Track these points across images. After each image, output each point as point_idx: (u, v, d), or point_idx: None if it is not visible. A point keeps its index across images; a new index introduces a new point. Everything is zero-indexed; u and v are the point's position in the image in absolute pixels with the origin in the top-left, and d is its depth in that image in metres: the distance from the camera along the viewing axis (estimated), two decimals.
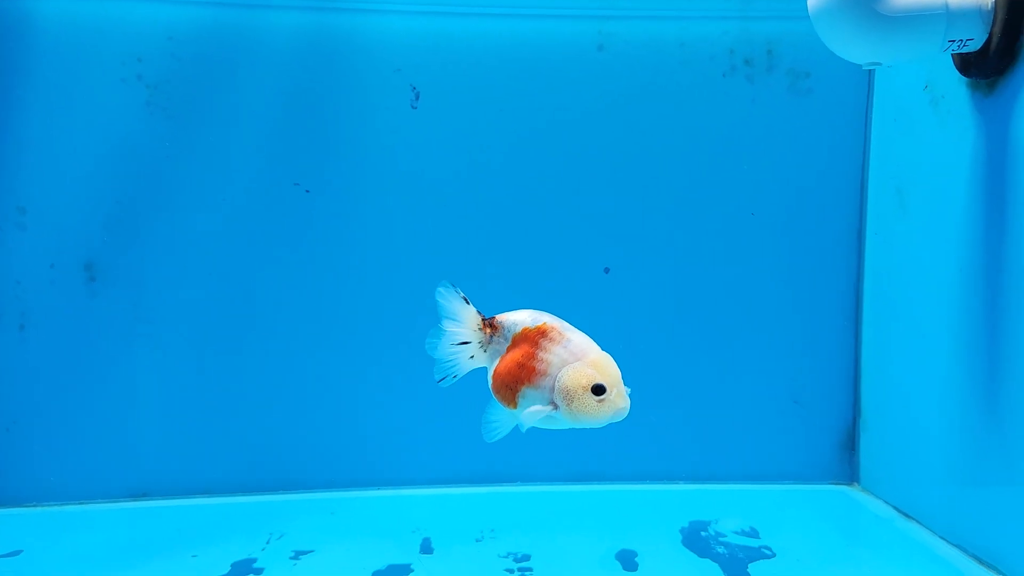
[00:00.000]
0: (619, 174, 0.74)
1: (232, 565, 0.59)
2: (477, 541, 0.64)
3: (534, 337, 0.47)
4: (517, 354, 0.47)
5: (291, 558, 0.60)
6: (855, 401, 0.77)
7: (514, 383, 0.47)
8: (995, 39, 0.55)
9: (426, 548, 0.62)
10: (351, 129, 0.73)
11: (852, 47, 0.56)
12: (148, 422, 0.72)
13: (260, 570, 0.58)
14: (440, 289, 0.50)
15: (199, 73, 0.71)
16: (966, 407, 0.61)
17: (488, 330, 0.50)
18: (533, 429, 0.47)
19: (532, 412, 0.45)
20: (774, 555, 0.61)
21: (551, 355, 0.46)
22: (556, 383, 0.45)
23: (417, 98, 0.73)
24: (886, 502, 0.72)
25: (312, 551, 0.62)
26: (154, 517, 0.70)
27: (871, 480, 0.75)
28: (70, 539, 0.65)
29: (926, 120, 0.66)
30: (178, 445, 0.73)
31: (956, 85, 0.62)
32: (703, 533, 0.65)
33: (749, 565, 0.58)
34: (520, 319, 0.49)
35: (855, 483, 0.77)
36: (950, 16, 0.55)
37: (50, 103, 0.70)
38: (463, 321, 0.50)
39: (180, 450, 0.73)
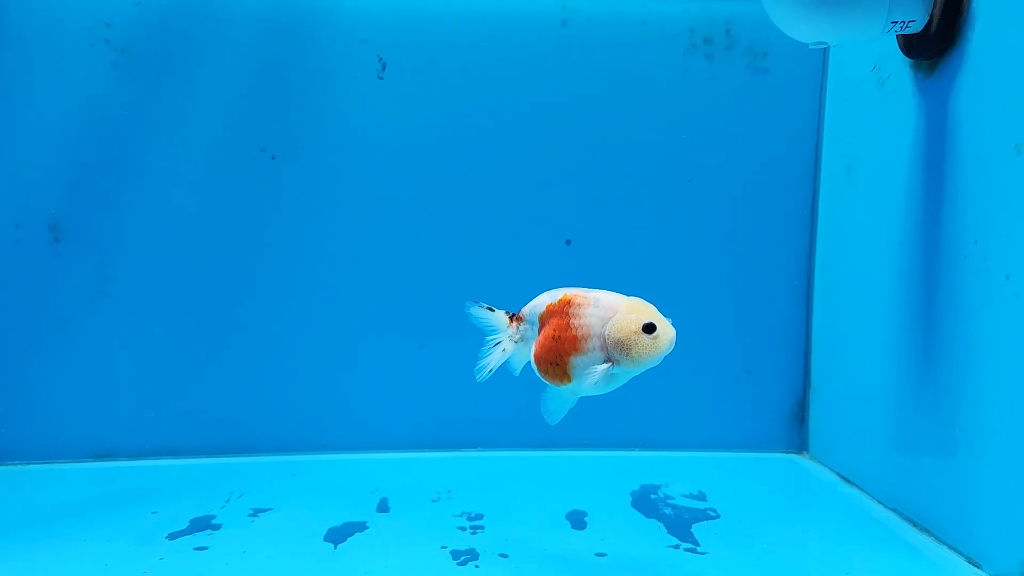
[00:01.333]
0: (580, 148, 0.76)
1: (191, 521, 0.60)
2: (433, 501, 0.66)
3: (561, 310, 0.49)
4: (549, 331, 0.49)
5: (249, 515, 0.61)
6: (806, 372, 0.80)
7: (557, 357, 0.49)
8: (935, 21, 0.58)
9: (383, 507, 0.64)
10: (318, 97, 0.74)
11: (799, 26, 0.58)
12: (112, 384, 0.73)
13: (218, 526, 0.59)
14: (469, 311, 0.53)
15: (166, 38, 0.71)
16: (903, 379, 0.63)
17: (514, 323, 0.52)
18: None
19: (594, 373, 0.47)
20: (718, 516, 0.63)
21: (586, 319, 0.48)
22: (606, 340, 0.47)
23: (383, 68, 0.74)
24: (831, 469, 0.75)
25: (270, 509, 0.63)
26: (117, 476, 0.70)
27: (819, 449, 0.78)
28: (31, 496, 0.65)
29: (874, 100, 0.69)
30: (143, 407, 0.74)
31: (901, 66, 0.64)
32: (652, 496, 0.67)
33: (693, 525, 0.61)
34: (539, 301, 0.51)
35: (804, 452, 0.80)
36: None
37: (16, 66, 0.70)
38: (496, 322, 0.53)
39: (145, 412, 0.74)
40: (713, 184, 0.76)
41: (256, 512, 0.63)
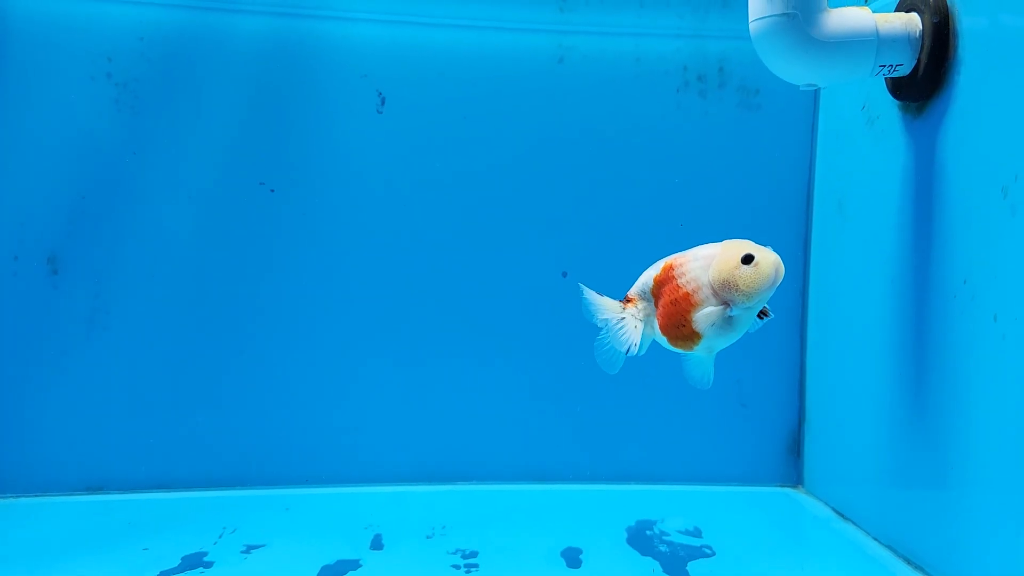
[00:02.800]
0: (576, 182, 0.77)
1: (182, 559, 0.59)
2: (428, 538, 0.65)
3: (667, 277, 0.51)
4: (665, 299, 0.51)
5: (242, 552, 0.61)
6: (800, 405, 0.80)
7: (680, 320, 0.50)
8: (923, 65, 0.59)
9: (376, 544, 0.64)
10: (317, 131, 0.75)
11: (790, 69, 0.60)
12: (106, 416, 0.73)
13: (210, 563, 0.59)
14: (584, 298, 0.54)
15: (168, 73, 0.72)
16: (896, 413, 0.64)
17: (628, 304, 0.54)
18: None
19: (706, 314, 0.48)
20: (713, 554, 0.63)
21: (692, 273, 0.49)
22: (714, 285, 0.48)
23: (383, 103, 0.75)
24: (827, 504, 0.74)
25: (263, 546, 0.63)
26: (109, 510, 0.70)
27: (814, 483, 0.78)
28: (24, 530, 0.65)
29: (863, 138, 0.70)
30: (135, 440, 0.74)
31: (889, 107, 0.66)
32: (648, 532, 0.67)
33: (689, 563, 0.61)
34: (645, 278, 0.54)
35: (800, 485, 0.79)
36: (880, 43, 0.59)
37: (18, 99, 0.71)
38: (607, 308, 0.54)
39: (137, 445, 0.74)
40: (707, 218, 0.77)
41: (249, 548, 0.62)
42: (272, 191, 0.74)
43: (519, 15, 0.75)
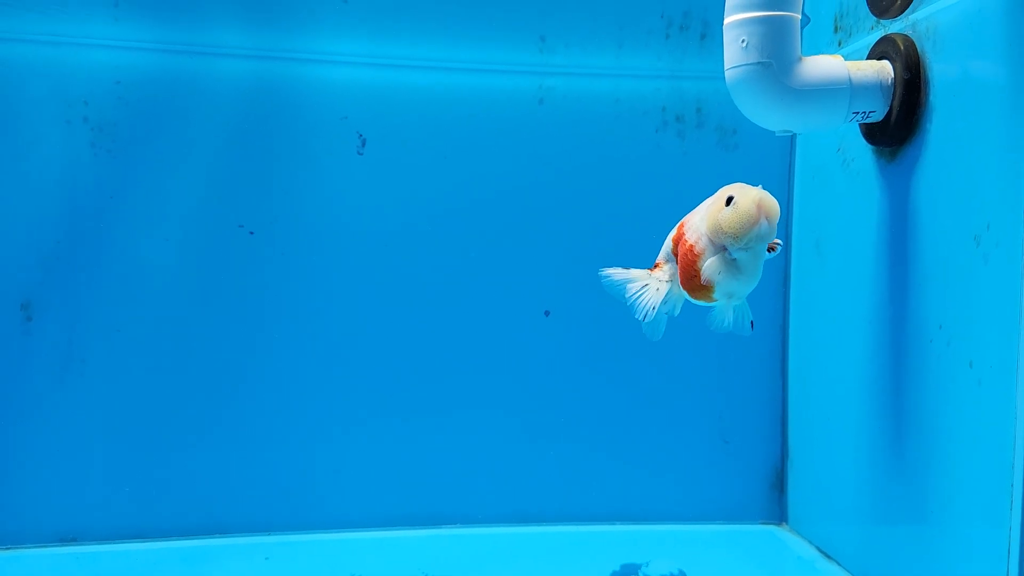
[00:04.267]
0: (558, 221, 0.77)
1: None
2: None
3: (679, 236, 0.54)
4: (679, 257, 0.53)
5: None
6: (783, 442, 0.80)
7: (691, 273, 0.52)
8: (895, 112, 0.60)
9: None
10: (297, 173, 0.74)
11: (765, 117, 0.61)
12: (80, 464, 0.71)
13: None
14: (604, 277, 0.56)
15: (145, 117, 0.72)
16: (877, 451, 0.64)
17: (655, 270, 0.56)
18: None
19: (708, 264, 0.50)
20: None
21: (693, 227, 0.52)
22: (708, 235, 0.50)
23: (363, 145, 0.75)
24: (810, 543, 0.74)
25: None
26: (84, 562, 0.68)
27: (798, 520, 0.78)
28: None
29: (839, 179, 0.71)
30: (110, 488, 0.72)
31: (864, 150, 0.66)
32: None
33: None
34: (666, 242, 0.56)
35: (784, 523, 0.80)
36: (853, 90, 0.60)
37: None
38: (635, 278, 0.56)
39: (112, 493, 0.72)
40: None
41: None
42: (251, 233, 0.73)
43: (499, 57, 0.75)
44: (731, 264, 0.48)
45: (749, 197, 0.47)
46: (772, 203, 0.48)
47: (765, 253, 0.50)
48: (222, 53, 0.72)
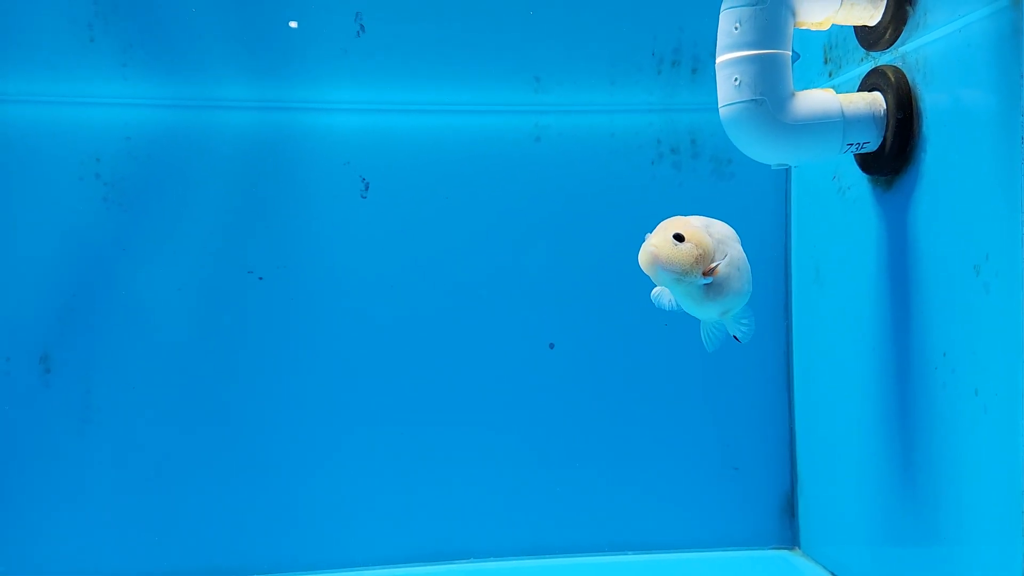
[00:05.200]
0: (559, 255, 0.78)
1: None
2: None
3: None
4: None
5: None
6: (792, 467, 0.80)
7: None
8: (888, 143, 0.61)
9: None
10: (303, 218, 0.76)
11: (760, 152, 0.62)
12: (99, 511, 0.73)
13: None
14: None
15: (155, 170, 0.74)
16: (886, 474, 0.64)
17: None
18: None
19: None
20: None
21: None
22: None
23: (366, 188, 0.77)
24: (823, 567, 0.74)
25: None
26: None
27: (810, 544, 0.78)
28: None
29: (836, 207, 0.72)
30: (129, 533, 0.74)
31: (859, 178, 0.67)
32: None
33: None
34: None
35: (796, 547, 0.80)
36: (847, 123, 0.60)
37: (9, 201, 0.72)
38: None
39: (131, 539, 0.74)
40: None
41: None
42: (260, 279, 0.75)
43: (496, 98, 0.76)
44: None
45: (644, 245, 0.50)
46: (653, 252, 0.49)
47: (692, 286, 0.50)
48: (227, 106, 0.74)
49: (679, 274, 0.49)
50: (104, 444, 0.73)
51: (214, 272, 0.75)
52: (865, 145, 0.62)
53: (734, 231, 0.55)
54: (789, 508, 0.80)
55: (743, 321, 0.55)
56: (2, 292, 0.72)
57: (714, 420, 0.79)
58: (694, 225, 0.51)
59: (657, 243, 0.49)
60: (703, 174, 0.78)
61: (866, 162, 0.65)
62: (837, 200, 0.71)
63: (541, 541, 0.78)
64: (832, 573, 0.73)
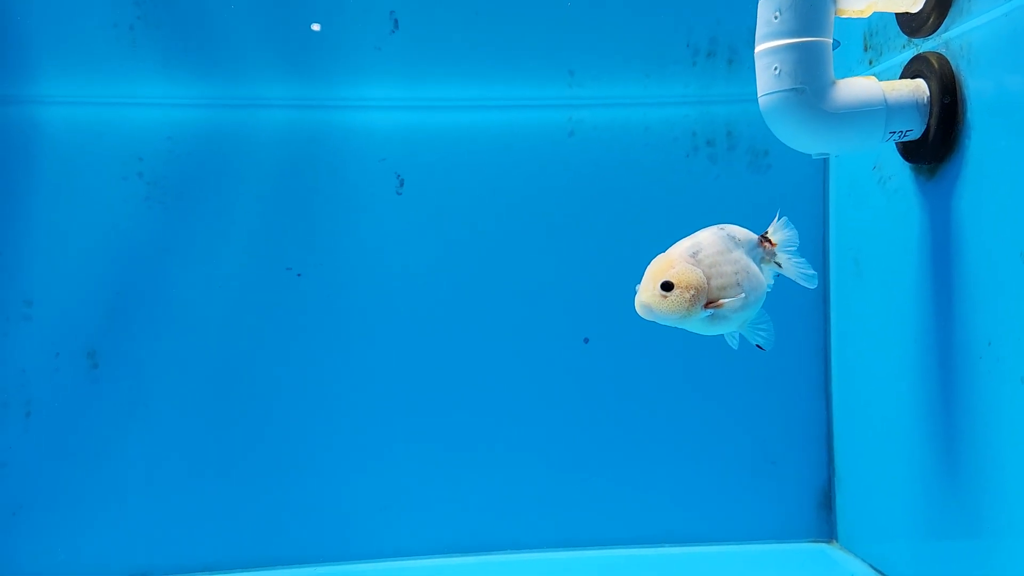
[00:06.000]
0: (593, 250, 0.78)
1: None
2: None
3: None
4: None
5: None
6: (830, 461, 0.80)
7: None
8: (932, 130, 0.60)
9: None
10: (340, 215, 0.77)
11: (801, 141, 0.61)
12: (147, 503, 0.75)
13: None
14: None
15: (196, 169, 0.75)
16: (928, 466, 0.64)
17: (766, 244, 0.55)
18: None
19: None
20: None
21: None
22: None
23: (401, 185, 0.77)
24: (863, 560, 0.74)
25: None
26: None
27: (848, 538, 0.77)
28: None
29: (876, 198, 0.71)
30: (177, 525, 0.75)
31: (901, 168, 0.66)
32: None
33: None
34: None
35: (833, 540, 0.79)
36: (889, 110, 0.60)
37: (56, 201, 0.74)
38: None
39: (179, 530, 0.75)
40: None
41: None
42: (299, 275, 0.77)
43: (529, 93, 0.77)
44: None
45: (637, 299, 0.49)
46: (647, 307, 0.48)
47: (698, 320, 0.49)
48: (264, 104, 0.75)
49: (680, 318, 0.48)
50: (149, 438, 0.75)
51: (253, 269, 0.76)
52: (908, 133, 0.61)
53: (732, 233, 0.53)
54: (826, 501, 0.79)
55: (761, 327, 0.54)
56: (51, 289, 0.74)
57: (751, 414, 0.78)
58: (680, 260, 0.49)
59: (647, 298, 0.48)
60: (739, 167, 0.77)
61: (908, 151, 0.64)
62: (877, 191, 0.71)
63: (576, 534, 0.78)
64: (872, 566, 0.72)
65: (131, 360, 0.75)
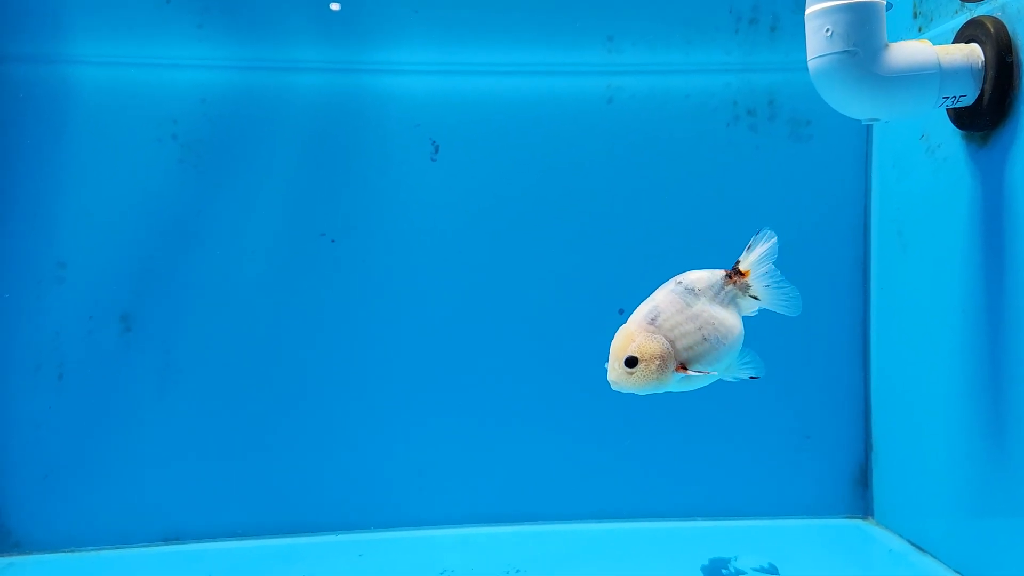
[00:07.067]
0: (630, 220, 0.77)
1: None
2: None
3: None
4: None
5: None
6: (867, 436, 0.79)
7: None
8: (987, 95, 0.59)
9: None
10: (374, 181, 0.76)
11: (852, 106, 0.60)
12: (179, 467, 0.75)
13: None
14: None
15: (230, 132, 0.74)
16: (972, 442, 0.63)
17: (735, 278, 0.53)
18: None
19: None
20: None
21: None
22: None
23: (436, 151, 0.77)
24: (900, 536, 0.73)
25: None
26: (189, 560, 0.72)
27: (885, 514, 0.76)
28: None
29: (923, 168, 0.70)
30: (208, 489, 0.75)
31: (951, 136, 0.65)
32: (723, 571, 0.67)
33: None
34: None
35: (869, 517, 0.78)
36: (943, 75, 0.59)
37: (89, 163, 0.73)
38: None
39: (210, 494, 0.75)
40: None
41: None
42: (333, 241, 0.76)
43: (568, 59, 0.75)
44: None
45: (608, 377, 0.49)
46: (617, 386, 0.49)
47: (674, 384, 0.49)
48: (299, 68, 0.75)
49: (654, 388, 0.48)
50: (184, 400, 0.75)
51: (287, 234, 0.75)
52: (962, 99, 0.60)
53: (691, 285, 0.51)
54: (863, 478, 0.78)
55: (747, 362, 0.53)
56: (84, 251, 0.74)
57: (787, 388, 0.77)
58: (640, 332, 0.48)
59: (615, 377, 0.48)
60: (780, 136, 0.76)
61: (960, 117, 0.63)
62: (925, 160, 0.69)
63: (607, 506, 0.77)
64: (910, 542, 0.72)
65: (163, 323, 0.74)
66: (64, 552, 0.73)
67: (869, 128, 0.78)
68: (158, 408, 0.74)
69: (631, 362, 0.47)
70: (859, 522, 0.77)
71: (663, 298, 0.50)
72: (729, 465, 0.77)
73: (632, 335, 0.48)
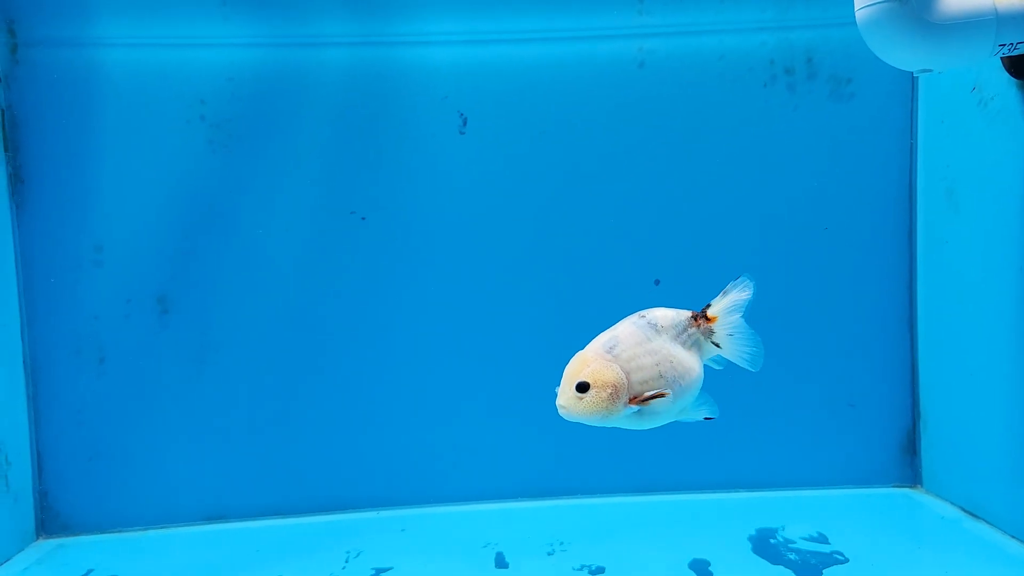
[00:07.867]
0: (665, 187, 0.75)
1: None
2: (549, 555, 0.65)
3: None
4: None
5: None
6: (914, 403, 0.77)
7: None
8: None
9: (500, 563, 0.64)
10: (403, 156, 0.75)
11: (903, 56, 0.57)
12: (221, 447, 0.75)
13: None
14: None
15: (258, 111, 0.74)
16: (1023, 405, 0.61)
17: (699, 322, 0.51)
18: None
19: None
20: (847, 560, 0.61)
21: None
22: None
23: (465, 124, 0.75)
24: (952, 503, 0.72)
25: (390, 568, 0.64)
26: (232, 539, 0.72)
27: (934, 481, 0.75)
28: (153, 564, 0.68)
29: (975, 121, 0.67)
30: (251, 468, 0.76)
31: (1006, 87, 0.62)
32: (772, 540, 0.66)
33: (824, 571, 0.59)
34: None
35: (918, 485, 0.76)
36: (1000, 21, 0.56)
37: (121, 146, 0.73)
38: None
39: (253, 473, 0.76)
40: (804, 215, 0.74)
41: (378, 572, 0.63)
42: (363, 219, 0.75)
43: (596, 23, 0.73)
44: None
45: (557, 401, 0.46)
46: (566, 411, 0.46)
47: (625, 417, 0.46)
48: (325, 43, 0.73)
49: (602, 418, 0.45)
50: (223, 380, 0.75)
51: (317, 213, 0.75)
52: (1019, 46, 0.57)
53: (654, 320, 0.50)
54: (910, 446, 0.77)
55: (703, 404, 0.51)
56: (120, 234, 0.74)
57: (832, 355, 0.75)
58: (596, 359, 0.46)
59: (564, 401, 0.45)
60: (820, 96, 0.73)
61: (1016, 65, 0.60)
62: (977, 113, 0.67)
63: (650, 479, 0.77)
64: (962, 508, 0.70)
65: (199, 304, 0.74)
66: (110, 533, 0.74)
67: (914, 84, 0.75)
68: (198, 388, 0.74)
69: (582, 387, 0.45)
70: (908, 490, 0.76)
71: (624, 329, 0.49)
72: (773, 435, 0.76)
73: (587, 360, 0.46)
